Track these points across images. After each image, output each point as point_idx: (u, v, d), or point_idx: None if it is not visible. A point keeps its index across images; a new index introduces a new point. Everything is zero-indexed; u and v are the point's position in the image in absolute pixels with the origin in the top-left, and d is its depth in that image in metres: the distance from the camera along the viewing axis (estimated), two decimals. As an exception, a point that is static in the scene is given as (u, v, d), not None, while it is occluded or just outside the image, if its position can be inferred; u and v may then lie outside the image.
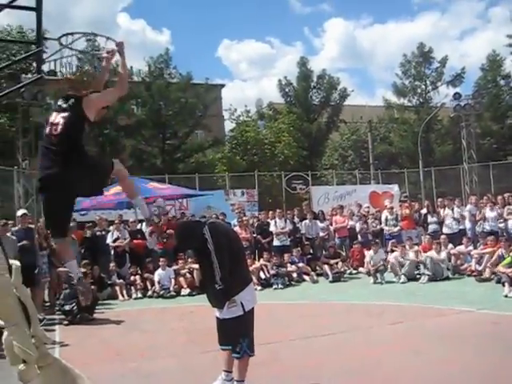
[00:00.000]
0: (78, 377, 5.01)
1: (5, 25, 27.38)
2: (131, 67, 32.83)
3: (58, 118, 4.36)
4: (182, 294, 12.32)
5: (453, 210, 15.40)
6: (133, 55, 71.89)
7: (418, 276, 12.41)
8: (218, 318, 5.00)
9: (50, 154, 4.30)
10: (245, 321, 4.87)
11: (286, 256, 13.98)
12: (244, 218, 15.39)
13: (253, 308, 4.94)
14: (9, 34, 26.56)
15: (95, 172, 4.53)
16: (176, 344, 7.43)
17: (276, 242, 14.87)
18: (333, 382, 5.22)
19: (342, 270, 14.06)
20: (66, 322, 9.39)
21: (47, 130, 4.37)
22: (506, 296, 9.67)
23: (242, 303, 4.82)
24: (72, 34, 4.49)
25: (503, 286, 10.07)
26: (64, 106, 4.46)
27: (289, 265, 13.75)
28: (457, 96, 27.46)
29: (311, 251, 14.91)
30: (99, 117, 4.62)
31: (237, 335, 4.87)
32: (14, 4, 4.96)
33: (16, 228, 10.67)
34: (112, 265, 12.95)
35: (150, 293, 12.48)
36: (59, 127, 4.31)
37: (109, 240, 13.75)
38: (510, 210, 14.14)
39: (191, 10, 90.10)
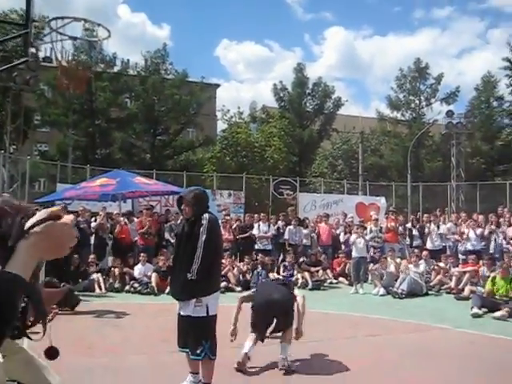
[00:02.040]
0: (43, 368, 4.92)
1: (6, 8, 27.29)
2: (128, 60, 32.84)
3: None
4: (160, 290, 12.22)
5: (438, 226, 15.46)
6: (130, 48, 71.84)
7: (396, 290, 12.31)
8: (180, 315, 4.92)
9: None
10: (208, 323, 4.79)
11: (267, 259, 13.97)
12: (227, 218, 15.41)
13: (216, 315, 4.87)
14: (7, 16, 26.36)
15: None
16: (148, 341, 7.33)
17: (258, 246, 14.88)
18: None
19: (323, 278, 14.04)
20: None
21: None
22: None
23: (207, 305, 4.75)
24: (62, 18, 4.41)
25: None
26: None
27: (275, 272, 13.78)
28: (449, 114, 27.71)
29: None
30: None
31: (199, 337, 4.80)
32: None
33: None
34: (92, 257, 12.84)
35: (127, 287, 12.39)
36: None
37: (93, 224, 13.76)
38: (491, 230, 14.21)
39: (192, 7, 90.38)
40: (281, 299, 6.07)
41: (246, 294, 6.77)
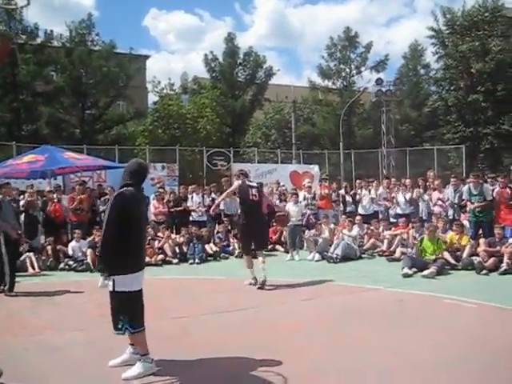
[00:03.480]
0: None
1: None
2: (51, 31, 31.59)
3: (254, 192, 9.31)
4: (96, 267, 12.04)
5: (370, 191, 15.87)
6: (53, 18, 69.06)
7: (330, 255, 12.58)
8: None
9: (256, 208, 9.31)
10: (120, 299, 4.73)
11: (203, 230, 14.04)
12: (161, 190, 15.31)
13: (131, 291, 4.75)
14: None
15: None
16: (86, 317, 7.24)
17: (193, 217, 14.92)
18: (242, 356, 5.24)
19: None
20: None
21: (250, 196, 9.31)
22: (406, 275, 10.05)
23: (114, 281, 4.69)
24: (-27, -17, 4.17)
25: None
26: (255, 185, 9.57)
27: (212, 243, 13.88)
28: (379, 81, 28.36)
29: (229, 227, 14.96)
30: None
31: (116, 311, 4.80)
32: None
33: None
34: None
35: (62, 265, 12.13)
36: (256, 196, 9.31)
37: (22, 203, 13.27)
38: (419, 194, 14.72)
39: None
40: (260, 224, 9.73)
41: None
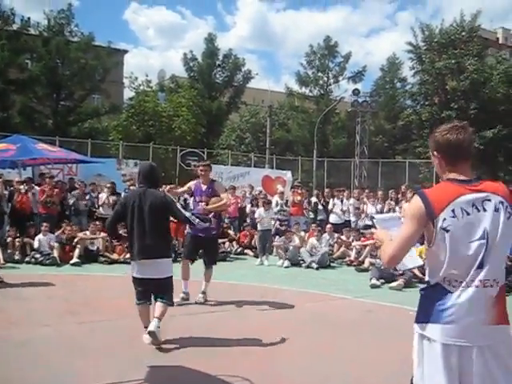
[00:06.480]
0: None
1: None
2: (28, 18, 31.09)
3: None
4: (63, 261, 11.88)
5: (342, 201, 15.98)
6: (31, 5, 67.92)
7: (300, 262, 12.71)
8: None
9: None
10: None
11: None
12: (132, 188, 15.16)
13: (137, 278, 5.73)
14: None
15: None
16: (52, 313, 7.14)
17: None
18: (206, 359, 5.23)
19: (229, 249, 14.20)
20: None
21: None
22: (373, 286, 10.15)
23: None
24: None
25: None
26: None
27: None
28: (356, 92, 28.70)
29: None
30: None
31: None
32: None
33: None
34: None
35: (28, 258, 11.91)
36: None
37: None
38: (390, 206, 14.88)
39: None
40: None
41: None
